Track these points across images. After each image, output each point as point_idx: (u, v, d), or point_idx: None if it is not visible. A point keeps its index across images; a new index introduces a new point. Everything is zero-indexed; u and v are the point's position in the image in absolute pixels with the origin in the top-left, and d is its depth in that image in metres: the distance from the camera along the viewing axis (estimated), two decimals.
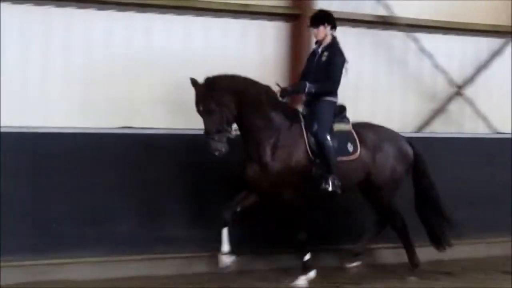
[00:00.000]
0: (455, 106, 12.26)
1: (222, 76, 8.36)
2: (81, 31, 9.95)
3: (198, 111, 8.30)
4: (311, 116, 8.72)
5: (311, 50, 9.08)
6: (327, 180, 8.52)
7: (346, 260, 9.29)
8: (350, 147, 8.82)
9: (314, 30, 8.84)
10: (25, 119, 9.22)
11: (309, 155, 8.59)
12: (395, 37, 11.81)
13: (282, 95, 8.70)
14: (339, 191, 8.59)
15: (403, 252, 9.49)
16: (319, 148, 8.56)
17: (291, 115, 8.74)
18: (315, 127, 8.61)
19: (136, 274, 8.83)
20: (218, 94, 8.23)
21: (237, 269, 8.92)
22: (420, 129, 11.97)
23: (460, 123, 12.24)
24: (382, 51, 11.75)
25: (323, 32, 8.80)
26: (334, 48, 8.79)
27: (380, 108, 11.63)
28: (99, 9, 10.02)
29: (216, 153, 8.23)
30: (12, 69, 9.58)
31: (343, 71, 8.74)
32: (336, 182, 8.53)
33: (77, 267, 8.69)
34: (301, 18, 10.68)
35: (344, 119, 8.95)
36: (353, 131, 8.94)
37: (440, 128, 12.00)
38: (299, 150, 8.58)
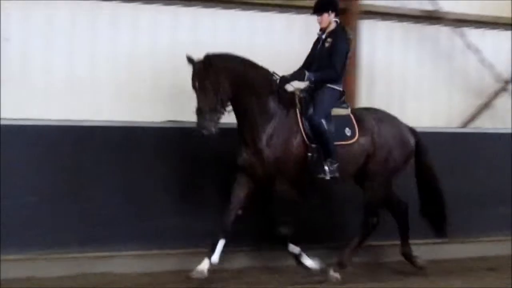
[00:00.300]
0: (502, 102, 12.16)
1: (222, 55, 8.17)
2: (127, 24, 10.08)
3: (193, 87, 8.10)
4: (310, 101, 8.52)
5: (316, 36, 8.83)
6: (323, 168, 8.35)
7: (331, 265, 8.70)
8: (348, 132, 8.61)
9: (318, 18, 8.63)
10: (71, 112, 9.37)
11: (305, 140, 8.40)
12: (442, 32, 11.75)
13: (280, 83, 8.47)
14: (337, 174, 8.41)
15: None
16: (314, 132, 8.37)
17: (288, 101, 8.51)
18: (310, 111, 8.44)
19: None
20: (215, 73, 8.03)
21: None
22: (465, 124, 11.89)
23: (507, 119, 12.12)
24: (428, 46, 11.68)
25: (327, 19, 8.60)
26: (337, 34, 8.59)
27: (426, 103, 11.58)
28: (146, 3, 10.13)
29: (204, 132, 7.95)
30: (60, 62, 9.73)
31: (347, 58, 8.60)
32: (333, 166, 8.36)
33: (120, 260, 8.70)
34: (346, 13, 10.64)
35: (343, 104, 8.73)
36: (351, 116, 8.73)
37: (486, 124, 11.89)
38: (294, 136, 8.37)
